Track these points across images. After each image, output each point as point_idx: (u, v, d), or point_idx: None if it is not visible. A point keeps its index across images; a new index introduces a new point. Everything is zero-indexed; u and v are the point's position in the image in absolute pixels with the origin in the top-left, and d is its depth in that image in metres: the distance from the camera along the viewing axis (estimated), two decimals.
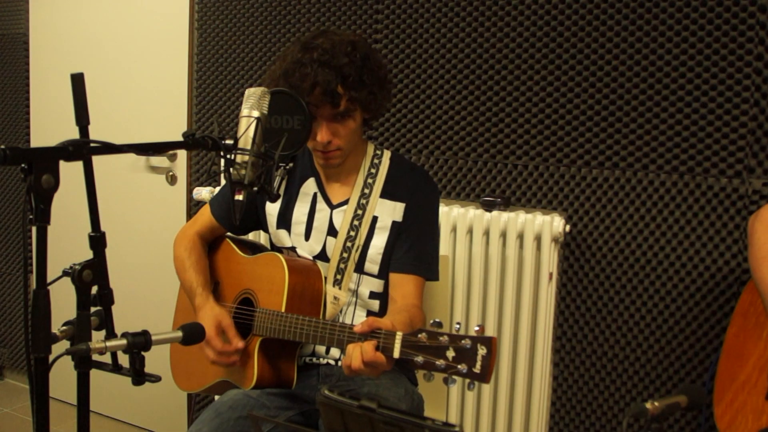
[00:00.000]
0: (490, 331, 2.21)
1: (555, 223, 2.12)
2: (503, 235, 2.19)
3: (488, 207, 2.25)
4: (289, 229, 1.78)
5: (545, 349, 2.18)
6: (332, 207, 1.76)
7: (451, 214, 2.24)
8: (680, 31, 2.04)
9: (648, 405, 1.10)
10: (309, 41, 1.64)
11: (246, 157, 1.29)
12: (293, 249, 1.77)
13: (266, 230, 1.85)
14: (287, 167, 1.50)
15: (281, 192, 1.78)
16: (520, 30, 2.25)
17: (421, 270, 1.72)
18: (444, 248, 2.25)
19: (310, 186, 1.78)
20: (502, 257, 2.20)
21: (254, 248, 1.86)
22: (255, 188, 1.31)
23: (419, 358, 1.24)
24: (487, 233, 2.21)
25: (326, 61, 1.59)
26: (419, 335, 1.24)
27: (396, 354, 1.28)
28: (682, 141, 2.06)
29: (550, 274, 2.15)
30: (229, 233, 1.91)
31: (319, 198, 1.77)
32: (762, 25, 1.95)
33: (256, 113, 1.32)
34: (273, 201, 1.71)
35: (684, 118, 2.05)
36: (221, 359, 1.64)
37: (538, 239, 2.14)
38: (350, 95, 1.61)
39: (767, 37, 1.95)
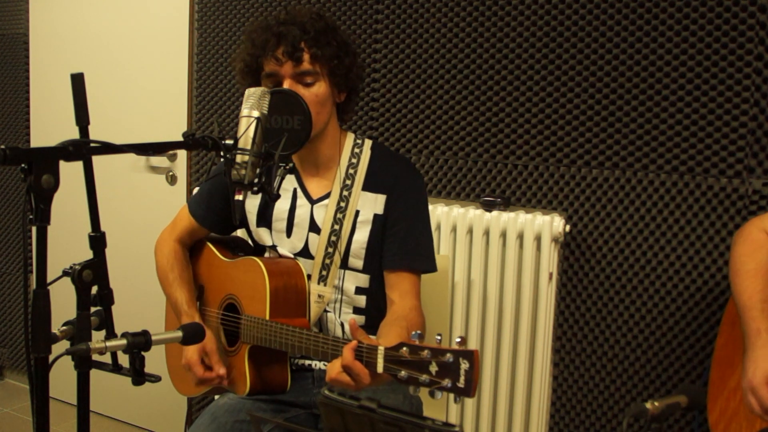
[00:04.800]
0: (490, 332, 2.21)
1: (555, 223, 2.12)
2: (503, 235, 2.19)
3: (488, 207, 2.25)
4: (269, 227, 1.74)
5: (545, 349, 2.18)
6: (313, 202, 1.71)
7: (451, 214, 2.24)
8: (680, 31, 2.04)
9: (648, 405, 1.10)
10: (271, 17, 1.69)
11: (246, 157, 1.29)
12: (274, 248, 1.74)
13: (247, 229, 1.82)
14: (287, 167, 1.49)
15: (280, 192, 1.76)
16: (520, 30, 2.25)
17: (416, 263, 1.69)
18: (444, 248, 2.25)
19: (289, 181, 1.73)
20: (502, 257, 2.20)
21: (235, 248, 1.83)
22: (255, 188, 1.31)
23: (403, 373, 1.22)
24: (487, 233, 2.21)
25: (290, 20, 1.63)
26: (401, 350, 1.23)
27: (380, 369, 1.26)
28: (682, 141, 2.06)
29: (550, 274, 2.15)
30: (210, 234, 1.87)
31: (299, 193, 1.73)
32: (762, 25, 1.95)
33: (256, 113, 1.32)
34: (273, 201, 1.70)
35: (684, 118, 2.05)
36: (204, 385, 1.64)
37: (538, 239, 2.14)
38: (313, 52, 1.60)
39: (767, 37, 1.95)
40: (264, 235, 1.75)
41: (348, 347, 1.31)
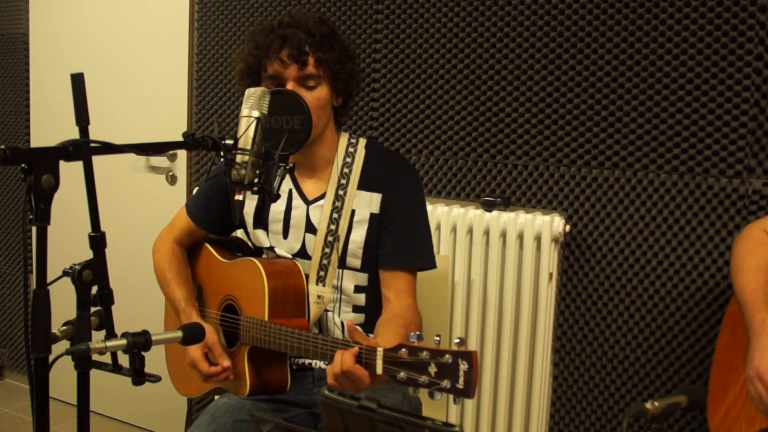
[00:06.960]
0: (490, 332, 2.21)
1: (555, 223, 2.12)
2: (503, 235, 2.19)
3: (488, 207, 2.25)
4: (266, 229, 1.75)
5: (545, 349, 2.18)
6: (308, 203, 1.71)
7: (451, 214, 2.24)
8: (680, 31, 2.04)
9: (648, 405, 1.10)
10: (274, 19, 1.69)
11: (246, 157, 1.29)
12: (272, 249, 1.73)
13: (245, 230, 1.82)
14: (287, 167, 1.49)
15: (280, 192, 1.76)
16: (520, 30, 2.25)
17: (411, 262, 1.69)
18: (444, 248, 2.25)
19: (284, 183, 1.72)
20: (502, 257, 2.20)
21: (234, 248, 1.83)
22: (255, 188, 1.31)
23: (402, 375, 1.22)
24: (487, 233, 2.21)
25: (294, 23, 1.63)
26: (400, 351, 1.23)
27: (379, 370, 1.27)
28: (682, 141, 2.06)
29: (550, 274, 2.15)
30: (208, 235, 1.86)
31: (295, 194, 1.73)
32: (762, 25, 1.95)
33: (256, 113, 1.32)
34: (273, 201, 1.70)
35: (684, 118, 2.05)
36: (210, 381, 1.63)
37: (538, 239, 2.14)
38: (317, 56, 1.61)
39: (767, 37, 1.95)
40: (261, 237, 1.76)
41: (349, 353, 1.31)
